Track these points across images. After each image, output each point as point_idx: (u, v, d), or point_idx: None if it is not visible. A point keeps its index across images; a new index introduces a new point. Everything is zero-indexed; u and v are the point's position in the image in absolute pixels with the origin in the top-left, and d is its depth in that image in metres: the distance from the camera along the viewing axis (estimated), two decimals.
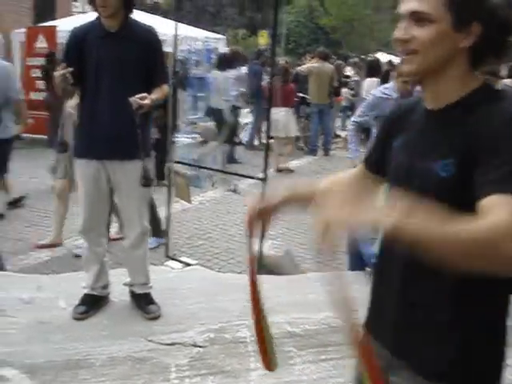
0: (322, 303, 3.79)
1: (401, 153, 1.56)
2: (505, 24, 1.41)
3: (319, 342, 3.37)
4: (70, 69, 3.21)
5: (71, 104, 5.14)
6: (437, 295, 1.45)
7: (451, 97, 1.46)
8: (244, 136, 11.93)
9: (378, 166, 1.69)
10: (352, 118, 5.32)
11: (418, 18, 1.40)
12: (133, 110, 3.21)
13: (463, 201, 1.35)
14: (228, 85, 9.86)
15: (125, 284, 3.78)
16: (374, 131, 4.99)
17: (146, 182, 3.43)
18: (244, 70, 10.84)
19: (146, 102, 3.24)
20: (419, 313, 1.48)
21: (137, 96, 3.20)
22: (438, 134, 1.45)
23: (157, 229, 5.45)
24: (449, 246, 1.16)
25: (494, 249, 1.15)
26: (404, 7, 1.43)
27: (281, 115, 9.80)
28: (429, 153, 1.45)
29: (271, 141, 8.65)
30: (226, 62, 10.09)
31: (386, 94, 4.88)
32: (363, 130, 5.29)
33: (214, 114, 9.95)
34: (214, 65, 10.11)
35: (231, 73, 10.05)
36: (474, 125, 1.37)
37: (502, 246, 1.14)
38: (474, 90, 1.45)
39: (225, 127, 9.95)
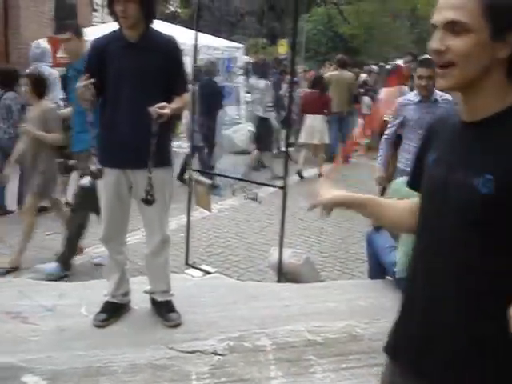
0: (342, 311, 3.82)
1: (435, 167, 1.52)
2: None
3: (339, 350, 3.35)
4: (92, 80, 3.25)
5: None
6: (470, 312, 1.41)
7: (489, 110, 1.41)
8: None
9: (418, 182, 1.64)
10: (385, 132, 5.41)
11: (454, 27, 1.37)
12: (152, 120, 3.24)
13: (508, 219, 1.33)
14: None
15: (145, 291, 3.80)
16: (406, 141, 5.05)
17: (147, 199, 3.39)
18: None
19: (166, 111, 3.25)
20: (451, 331, 1.44)
21: (156, 105, 3.22)
22: (476, 148, 1.41)
23: (67, 257, 5.13)
24: None
25: None
26: (439, 17, 1.40)
27: (317, 122, 10.14)
28: (467, 167, 1.41)
29: (291, 149, 8.74)
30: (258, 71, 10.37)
31: (407, 100, 4.98)
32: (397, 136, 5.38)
33: (259, 122, 10.23)
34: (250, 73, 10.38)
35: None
36: None
37: None
38: None
39: (275, 135, 10.14)
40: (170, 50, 3.52)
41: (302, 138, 10.17)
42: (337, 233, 6.82)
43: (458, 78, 1.40)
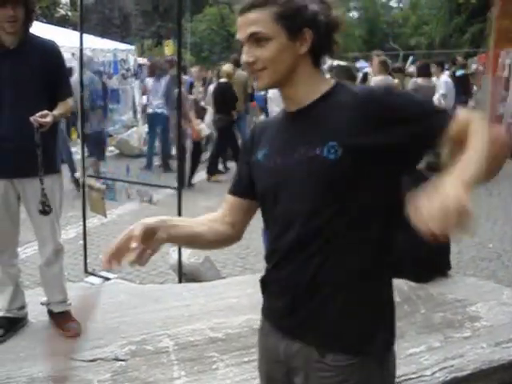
0: (243, 306, 3.87)
1: (267, 159, 1.67)
2: (327, 24, 1.57)
3: (241, 344, 3.40)
4: None
5: None
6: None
7: (309, 97, 1.60)
8: None
9: (248, 189, 1.78)
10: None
11: (256, 39, 1.55)
12: (34, 129, 3.16)
13: (355, 180, 1.51)
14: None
15: (42, 303, 3.71)
16: None
17: (43, 208, 3.34)
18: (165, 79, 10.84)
19: (48, 119, 3.19)
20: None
21: (38, 114, 3.15)
22: (310, 125, 1.58)
23: None
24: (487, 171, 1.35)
25: (502, 147, 1.44)
26: (241, 34, 1.57)
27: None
28: (306, 144, 1.56)
29: None
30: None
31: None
32: None
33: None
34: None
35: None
36: (350, 108, 1.53)
37: (504, 141, 1.44)
38: (333, 87, 1.61)
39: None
40: (50, 55, 3.44)
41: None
42: None
43: (271, 78, 1.59)
